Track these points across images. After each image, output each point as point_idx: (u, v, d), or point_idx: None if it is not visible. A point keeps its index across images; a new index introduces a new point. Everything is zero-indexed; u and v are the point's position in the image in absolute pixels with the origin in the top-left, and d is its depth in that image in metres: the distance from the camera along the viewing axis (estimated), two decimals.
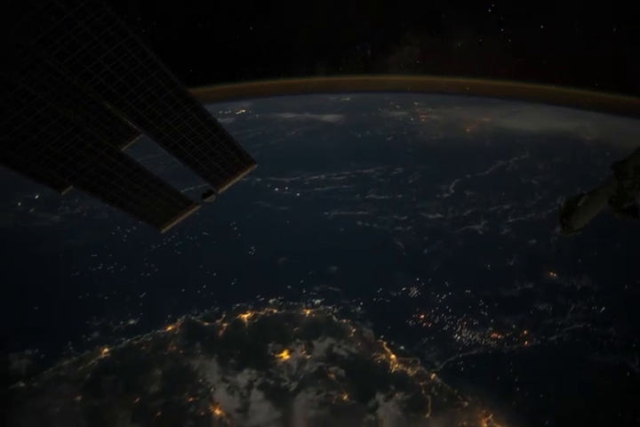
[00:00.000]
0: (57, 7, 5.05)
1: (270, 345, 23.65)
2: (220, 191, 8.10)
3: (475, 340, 23.58)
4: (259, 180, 41.30)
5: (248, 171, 8.11)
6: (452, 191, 38.25)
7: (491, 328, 24.26)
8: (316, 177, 41.64)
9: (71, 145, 6.32)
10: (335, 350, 23.15)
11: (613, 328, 24.11)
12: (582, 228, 5.28)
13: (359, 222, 33.91)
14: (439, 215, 34.45)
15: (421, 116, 63.89)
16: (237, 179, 8.11)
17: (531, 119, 60.34)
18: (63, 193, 8.33)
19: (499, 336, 23.81)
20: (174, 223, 8.18)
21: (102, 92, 5.94)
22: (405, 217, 34.36)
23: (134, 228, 35.76)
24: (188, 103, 6.63)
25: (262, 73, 67.84)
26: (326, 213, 35.29)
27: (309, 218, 34.74)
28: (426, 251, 30.36)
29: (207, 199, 8.07)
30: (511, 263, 29.20)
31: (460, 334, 23.93)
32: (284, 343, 23.69)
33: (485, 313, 25.23)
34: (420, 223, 33.56)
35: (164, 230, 8.16)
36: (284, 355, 23.06)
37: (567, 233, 5.29)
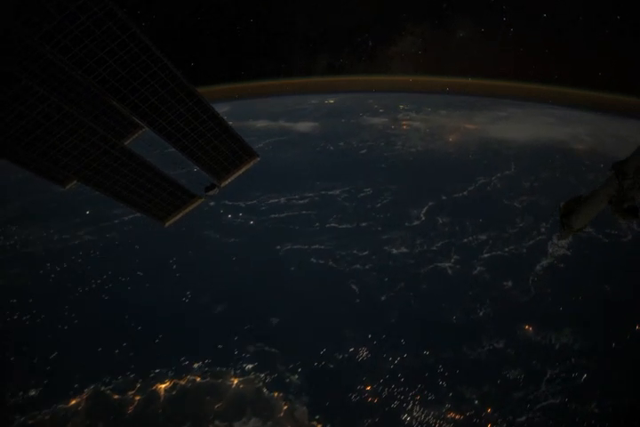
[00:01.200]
0: (59, 2, 5.08)
1: None
2: (222, 185, 7.98)
3: (427, 422, 19.66)
4: (212, 204, 37.33)
5: (251, 164, 8.07)
6: (424, 218, 34.12)
7: (448, 405, 20.30)
8: (276, 200, 37.60)
9: (75, 140, 6.29)
10: None
11: (595, 404, 20.11)
12: (582, 228, 5.15)
13: (313, 259, 29.92)
14: (404, 250, 30.39)
15: (403, 123, 59.53)
16: (240, 172, 8.06)
17: (520, 125, 55.90)
18: (67, 188, 8.23)
19: (457, 417, 19.86)
20: (177, 217, 8.09)
21: (105, 87, 5.89)
22: (366, 252, 30.33)
23: (65, 264, 32.04)
24: (191, 97, 6.61)
25: (260, 72, 65.34)
26: (278, 248, 31.31)
27: (259, 253, 30.77)
28: (384, 297, 26.35)
29: (210, 193, 7.96)
30: (481, 314, 25.16)
31: (410, 413, 20.01)
32: None
33: (444, 384, 21.27)
34: (381, 260, 29.52)
35: (167, 224, 8.05)
36: None
37: (567, 233, 5.23)
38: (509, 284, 27.21)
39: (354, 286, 27.34)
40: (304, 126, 57.43)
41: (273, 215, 35.44)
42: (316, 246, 31.20)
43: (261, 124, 57.60)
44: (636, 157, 4.10)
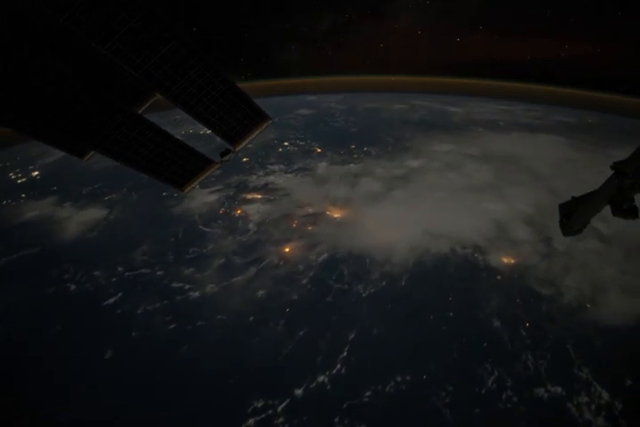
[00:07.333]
0: None
1: None
2: (237, 149, 7.72)
3: None
4: None
5: (263, 127, 7.74)
6: None
7: None
8: None
9: (93, 112, 6.24)
10: None
11: None
12: (582, 228, 5.19)
13: None
14: None
15: (243, 199, 37.78)
16: (253, 135, 7.76)
17: (419, 206, 33.65)
18: (85, 159, 7.92)
19: None
20: (195, 183, 7.94)
21: (118, 57, 5.77)
22: None
23: None
24: (201, 62, 6.39)
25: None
26: None
27: None
28: None
29: (225, 158, 7.72)
30: None
31: None
32: None
33: None
34: None
35: (186, 191, 7.86)
36: None
37: (567, 233, 5.22)
38: None
39: None
40: (78, 221, 36.04)
41: None
42: None
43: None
44: (636, 157, 3.98)
